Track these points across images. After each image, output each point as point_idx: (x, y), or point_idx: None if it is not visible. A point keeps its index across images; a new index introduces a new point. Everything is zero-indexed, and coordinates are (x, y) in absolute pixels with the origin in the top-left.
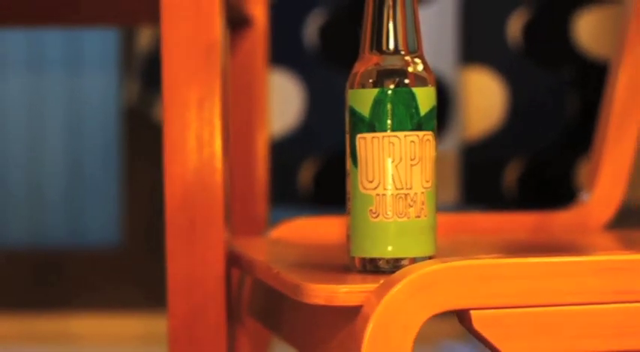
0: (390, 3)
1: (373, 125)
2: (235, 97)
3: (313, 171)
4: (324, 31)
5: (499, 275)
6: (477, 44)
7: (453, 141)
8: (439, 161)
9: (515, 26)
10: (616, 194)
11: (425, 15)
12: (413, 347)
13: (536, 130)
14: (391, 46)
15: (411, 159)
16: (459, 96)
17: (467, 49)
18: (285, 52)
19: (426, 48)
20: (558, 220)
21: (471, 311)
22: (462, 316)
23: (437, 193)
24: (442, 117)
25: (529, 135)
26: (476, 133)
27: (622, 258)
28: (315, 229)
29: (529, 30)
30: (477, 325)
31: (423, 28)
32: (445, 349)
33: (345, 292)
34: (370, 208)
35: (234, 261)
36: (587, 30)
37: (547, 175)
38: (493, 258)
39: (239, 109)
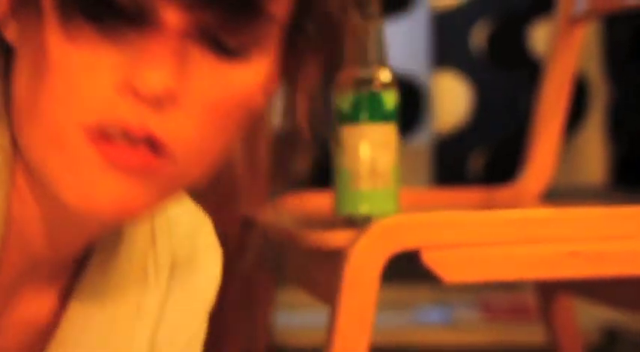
0: (368, 29)
1: (352, 118)
2: None
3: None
4: (490, 37)
5: (441, 223)
6: (446, 50)
7: (425, 134)
8: (414, 150)
9: (479, 35)
10: (546, 172)
11: (401, 25)
12: (380, 278)
13: (497, 124)
14: (366, 60)
15: (380, 144)
16: (430, 95)
17: (437, 54)
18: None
19: (402, 53)
20: (500, 193)
21: (422, 251)
22: (416, 254)
23: (399, 170)
24: (416, 113)
25: (491, 128)
26: (445, 127)
27: (530, 212)
28: (317, 200)
29: (491, 38)
30: (426, 260)
31: (400, 37)
32: (419, 313)
33: (330, 238)
34: (350, 180)
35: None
36: (541, 38)
37: (506, 161)
38: (437, 212)
39: None
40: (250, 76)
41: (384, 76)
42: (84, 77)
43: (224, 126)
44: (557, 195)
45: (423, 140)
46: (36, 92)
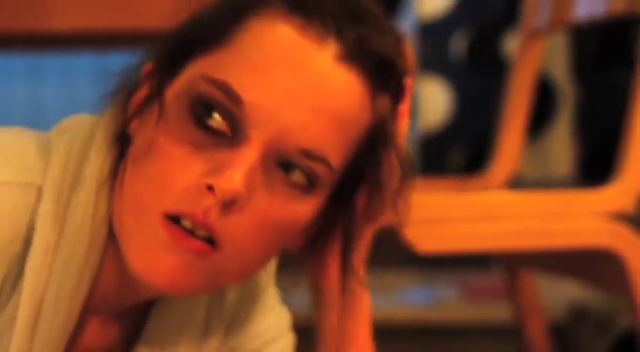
0: None
1: None
2: None
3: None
4: (469, 46)
5: (417, 203)
6: (430, 57)
7: (411, 131)
8: None
9: (459, 44)
10: (510, 164)
11: None
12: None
13: (473, 123)
14: None
15: None
16: (416, 98)
17: (422, 61)
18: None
19: None
20: (471, 182)
21: (401, 226)
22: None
23: None
24: None
25: (468, 127)
26: (429, 125)
27: (491, 195)
28: None
29: (469, 47)
30: (404, 234)
31: None
32: (403, 295)
33: None
34: None
35: None
36: (513, 47)
37: (481, 155)
38: (413, 194)
39: None
40: (305, 208)
41: None
42: (175, 173)
43: (269, 239)
44: (527, 184)
45: (409, 137)
46: (134, 174)
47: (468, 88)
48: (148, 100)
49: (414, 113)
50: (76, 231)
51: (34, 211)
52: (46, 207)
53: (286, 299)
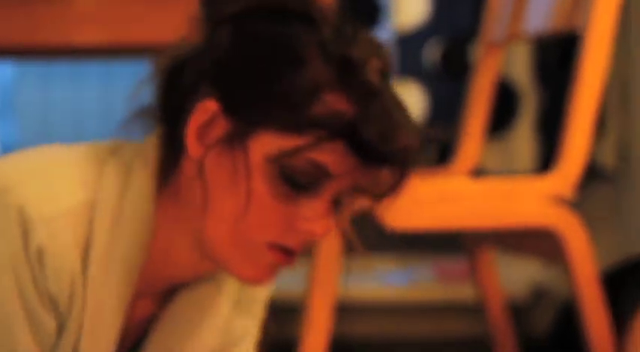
0: None
1: None
2: None
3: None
4: (441, 54)
5: None
6: (406, 64)
7: None
8: None
9: (432, 53)
10: (471, 157)
11: None
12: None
13: (446, 121)
14: None
15: None
16: None
17: (399, 67)
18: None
19: None
20: (438, 172)
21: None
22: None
23: None
24: None
25: (442, 125)
26: None
27: (452, 181)
28: None
29: (441, 55)
30: (378, 214)
31: None
32: (383, 277)
33: None
34: None
35: None
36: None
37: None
38: None
39: None
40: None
41: None
42: (274, 216)
43: None
44: (488, 175)
45: None
46: (240, 212)
47: (440, 91)
48: (227, 139)
49: None
50: (129, 232)
51: (91, 222)
52: (102, 220)
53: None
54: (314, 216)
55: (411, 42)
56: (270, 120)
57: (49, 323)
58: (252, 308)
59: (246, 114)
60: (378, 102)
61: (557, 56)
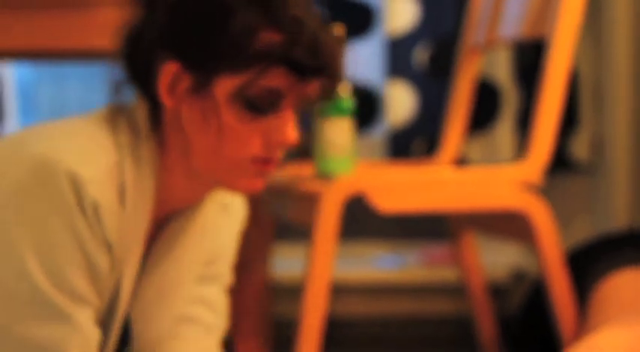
0: None
1: (325, 115)
2: None
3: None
4: (430, 56)
5: (378, 175)
6: (397, 66)
7: (381, 128)
8: (373, 140)
9: (421, 54)
10: (453, 150)
11: (362, 46)
12: (342, 211)
13: (433, 120)
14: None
15: (342, 130)
16: (385, 100)
17: (390, 68)
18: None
19: (363, 68)
20: (426, 161)
21: (366, 193)
22: (364, 197)
23: (355, 146)
24: (374, 113)
25: (429, 124)
26: (396, 123)
27: (435, 169)
28: (304, 166)
29: (430, 58)
30: (369, 199)
31: (362, 55)
32: (377, 261)
33: (312, 187)
34: (324, 151)
35: None
36: None
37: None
38: (374, 171)
39: None
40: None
41: (343, 89)
42: (248, 138)
43: None
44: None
45: (379, 132)
46: (216, 143)
47: (428, 92)
48: (193, 89)
49: (383, 113)
50: (145, 172)
51: (122, 174)
52: (129, 170)
53: (281, 264)
54: (282, 125)
55: (401, 45)
56: (222, 65)
57: (104, 264)
58: (232, 209)
59: (202, 66)
60: (302, 27)
61: (535, 59)
